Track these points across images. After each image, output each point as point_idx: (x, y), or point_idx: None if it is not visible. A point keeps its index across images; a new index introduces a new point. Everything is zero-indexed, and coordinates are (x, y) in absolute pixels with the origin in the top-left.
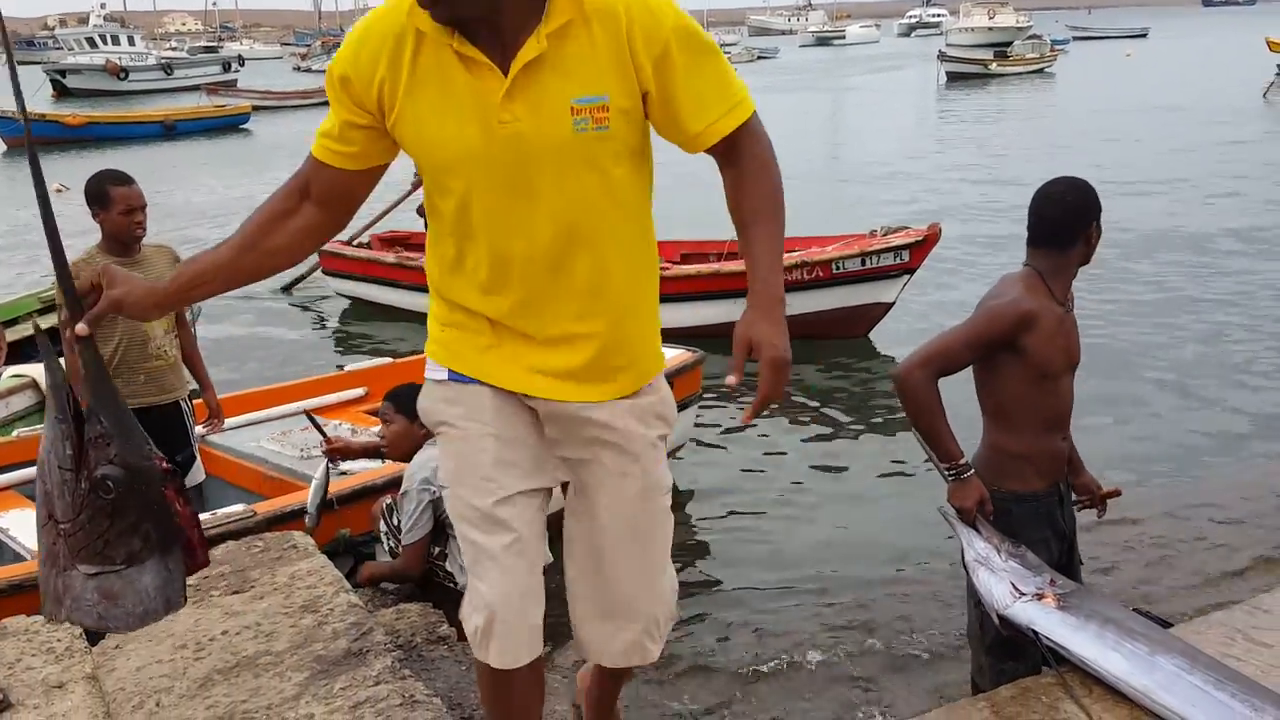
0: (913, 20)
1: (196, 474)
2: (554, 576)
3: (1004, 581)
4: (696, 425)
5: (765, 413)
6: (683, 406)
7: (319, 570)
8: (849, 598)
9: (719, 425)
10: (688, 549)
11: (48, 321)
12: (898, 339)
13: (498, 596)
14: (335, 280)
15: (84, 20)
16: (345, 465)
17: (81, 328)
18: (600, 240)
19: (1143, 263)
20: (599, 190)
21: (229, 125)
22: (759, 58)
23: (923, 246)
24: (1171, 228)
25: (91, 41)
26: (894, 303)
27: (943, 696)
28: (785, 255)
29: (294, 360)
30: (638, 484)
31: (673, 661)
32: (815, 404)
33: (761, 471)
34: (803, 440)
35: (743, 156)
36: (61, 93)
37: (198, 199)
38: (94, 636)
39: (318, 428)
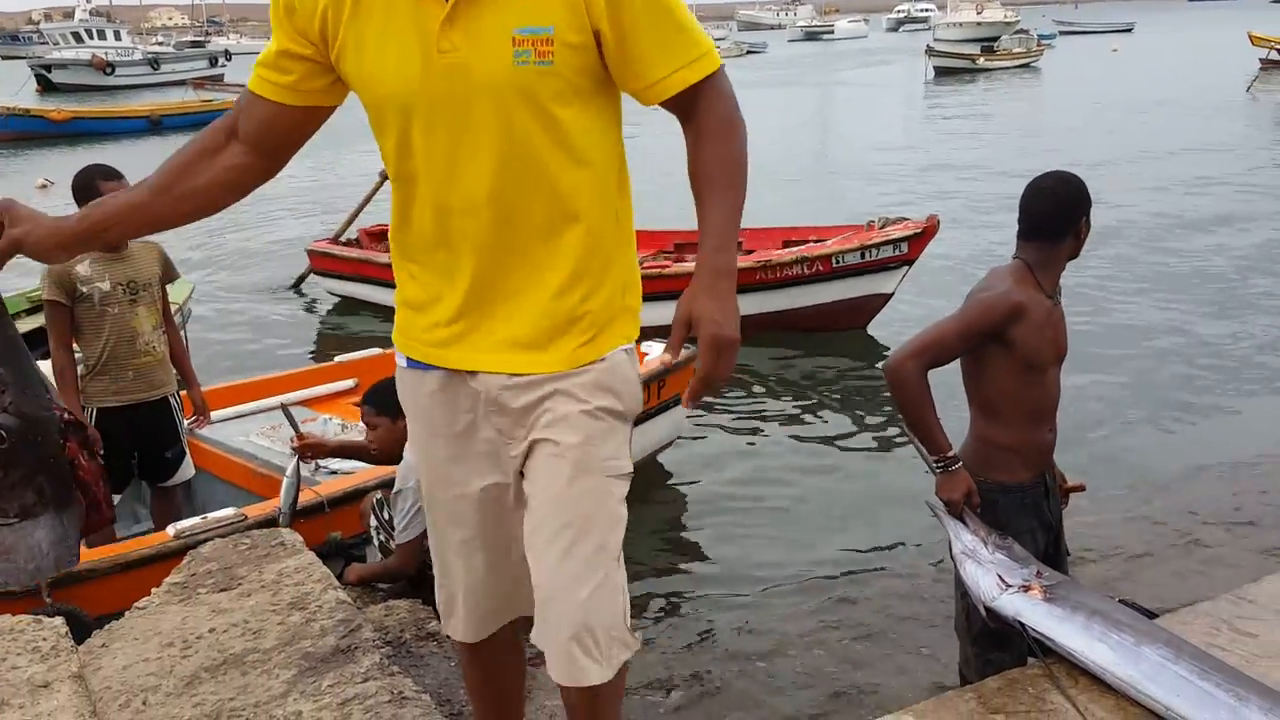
0: (901, 15)
1: (186, 469)
2: None
3: (991, 573)
4: (689, 419)
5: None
6: (675, 403)
7: (307, 567)
8: (838, 590)
9: (711, 419)
10: (674, 544)
11: (36, 321)
12: (892, 330)
13: (458, 585)
14: (327, 280)
15: (69, 15)
16: (335, 465)
17: None
18: (544, 190)
19: (1128, 255)
20: (542, 132)
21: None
22: (748, 52)
23: (921, 238)
24: (1154, 221)
25: (77, 36)
26: (893, 293)
27: (930, 688)
28: (785, 251)
29: (289, 359)
30: (569, 461)
31: (660, 653)
32: (807, 395)
33: (752, 465)
34: (793, 432)
35: (704, 115)
36: (47, 88)
37: None
38: (80, 635)
39: (292, 423)
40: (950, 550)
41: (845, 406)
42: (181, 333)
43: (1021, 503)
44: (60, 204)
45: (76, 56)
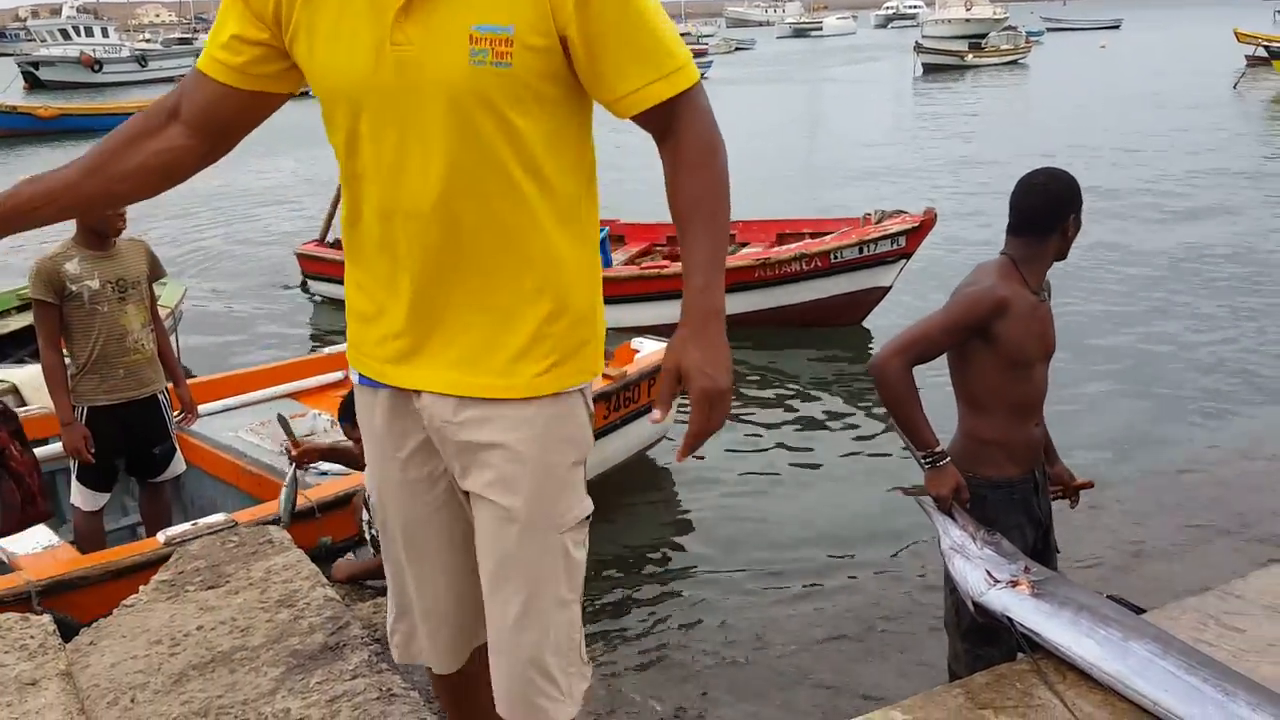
0: (890, 11)
1: (177, 465)
2: None
3: (979, 569)
4: (678, 420)
5: (747, 413)
6: None
7: (295, 565)
8: (828, 586)
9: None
10: (667, 539)
11: (28, 319)
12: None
13: (420, 612)
14: (316, 283)
15: (56, 11)
16: (325, 466)
17: None
18: (499, 201)
19: (1114, 252)
20: (498, 138)
21: None
22: (736, 49)
23: (919, 232)
24: (1144, 218)
25: (65, 33)
26: (891, 287)
27: (920, 683)
28: (785, 248)
29: (281, 359)
30: (518, 525)
31: (648, 648)
32: (800, 391)
33: (743, 460)
34: (785, 428)
35: (681, 134)
36: (34, 85)
37: (171, 192)
38: (68, 633)
39: (288, 431)
40: (939, 546)
41: (838, 402)
42: (173, 334)
43: (1010, 498)
44: None
45: (64, 54)
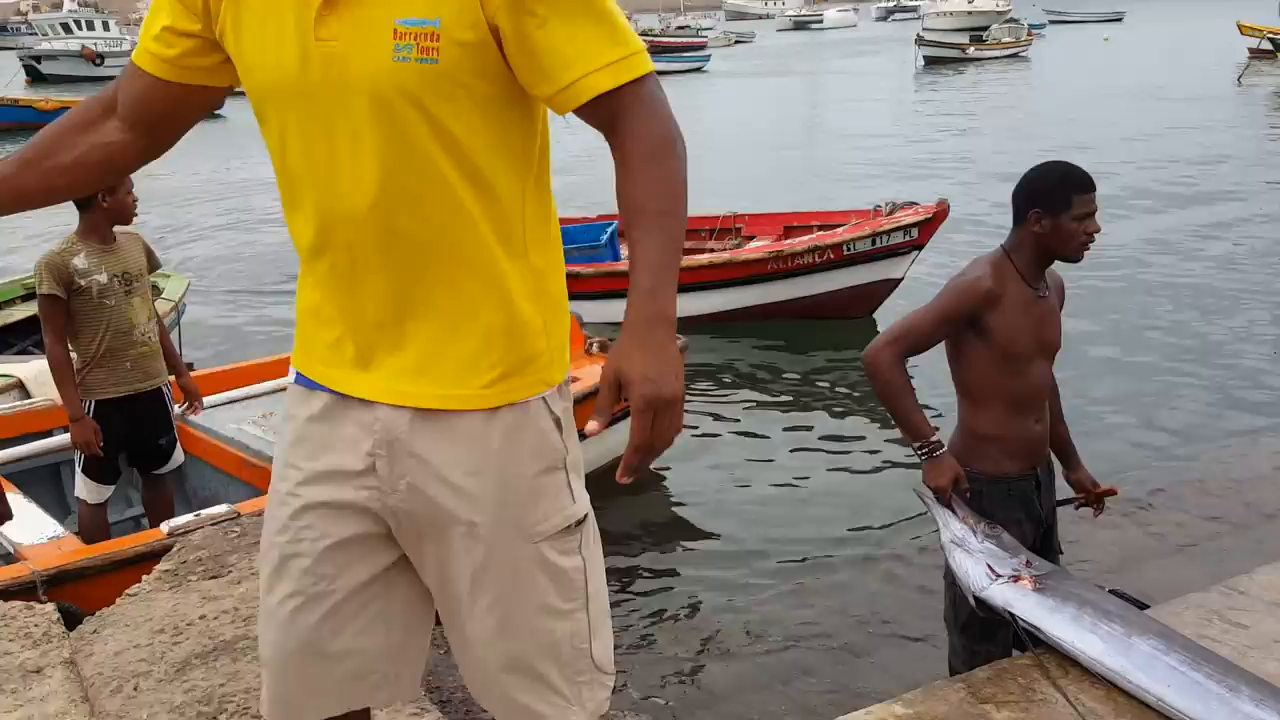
0: (891, 4)
1: (177, 456)
2: None
3: (980, 563)
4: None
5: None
6: None
7: None
8: (829, 578)
9: (704, 411)
10: (668, 532)
11: (31, 309)
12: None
13: (270, 650)
14: None
15: (58, 5)
16: None
17: None
18: (438, 205)
19: (1118, 246)
20: (431, 140)
21: None
22: (736, 42)
23: (932, 223)
24: (1147, 211)
25: (66, 27)
26: (902, 279)
27: (921, 679)
28: (798, 240)
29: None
30: (481, 536)
31: (648, 641)
32: (805, 384)
33: (746, 453)
34: (788, 422)
35: (632, 131)
36: (36, 79)
37: (173, 184)
38: (72, 622)
39: None
40: (940, 539)
41: (842, 395)
42: (176, 327)
43: (1007, 494)
44: None
45: (66, 47)
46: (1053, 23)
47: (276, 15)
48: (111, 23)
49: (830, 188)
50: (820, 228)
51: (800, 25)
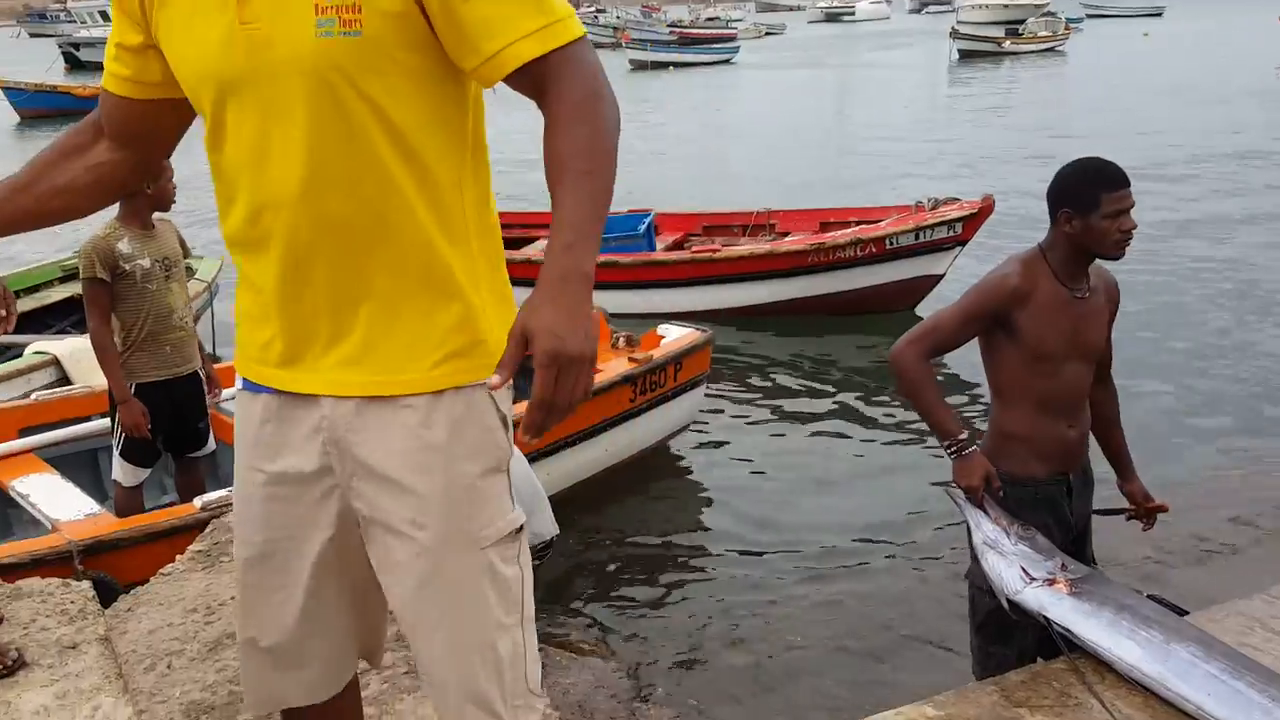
0: None
1: (211, 441)
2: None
3: (1014, 566)
4: (705, 404)
5: (789, 399)
6: (692, 386)
7: None
8: (860, 575)
9: (729, 404)
10: (694, 528)
11: (69, 290)
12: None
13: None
14: None
15: None
16: None
17: None
18: (369, 187)
19: (1160, 244)
20: (360, 117)
21: None
22: (767, 34)
23: (976, 219)
24: (1189, 210)
25: (104, 14)
26: (944, 274)
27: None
28: (841, 233)
29: None
30: (430, 558)
31: (673, 639)
32: (838, 380)
33: (778, 447)
34: (824, 416)
35: (558, 96)
36: (74, 66)
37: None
38: (108, 593)
39: None
40: (970, 540)
41: (877, 391)
42: (209, 308)
43: (1033, 497)
44: None
45: (104, 35)
46: (1090, 16)
47: (204, 6)
48: None
49: (863, 184)
50: (858, 224)
51: (832, 17)
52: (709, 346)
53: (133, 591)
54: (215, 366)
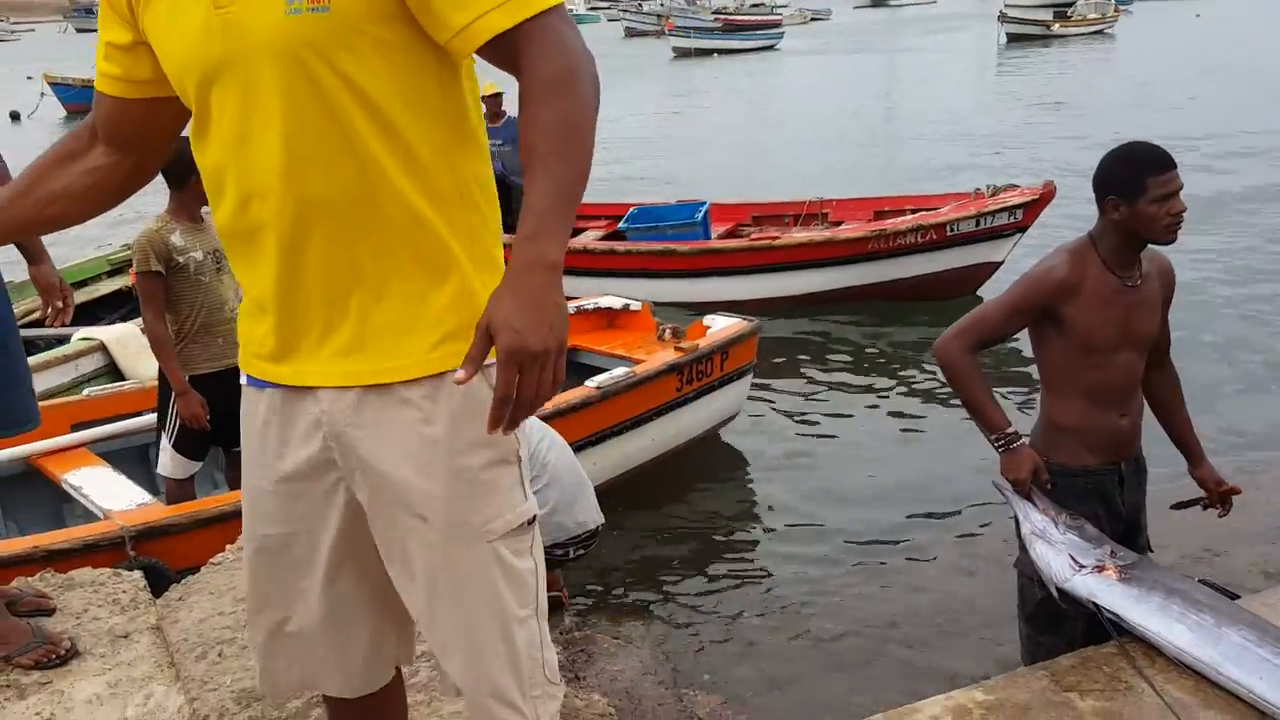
0: None
1: None
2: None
3: (1062, 554)
4: (755, 393)
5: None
6: (739, 375)
7: None
8: (909, 561)
9: (780, 393)
10: (743, 513)
11: (117, 284)
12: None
13: (262, 633)
14: None
15: None
16: None
17: None
18: (349, 167)
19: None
20: (336, 95)
21: None
22: (812, 19)
23: (1037, 205)
24: (1244, 194)
25: None
26: (1003, 261)
27: (1003, 664)
28: (901, 219)
29: None
30: (434, 537)
31: (721, 624)
32: (892, 366)
33: (831, 430)
34: (868, 406)
35: (532, 68)
36: None
37: None
38: (160, 579)
39: None
40: (1018, 530)
41: (929, 380)
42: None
43: (1083, 488)
44: None
45: None
46: None
47: None
48: None
49: (913, 172)
50: (914, 212)
51: (878, 2)
52: (755, 336)
53: (184, 581)
54: None
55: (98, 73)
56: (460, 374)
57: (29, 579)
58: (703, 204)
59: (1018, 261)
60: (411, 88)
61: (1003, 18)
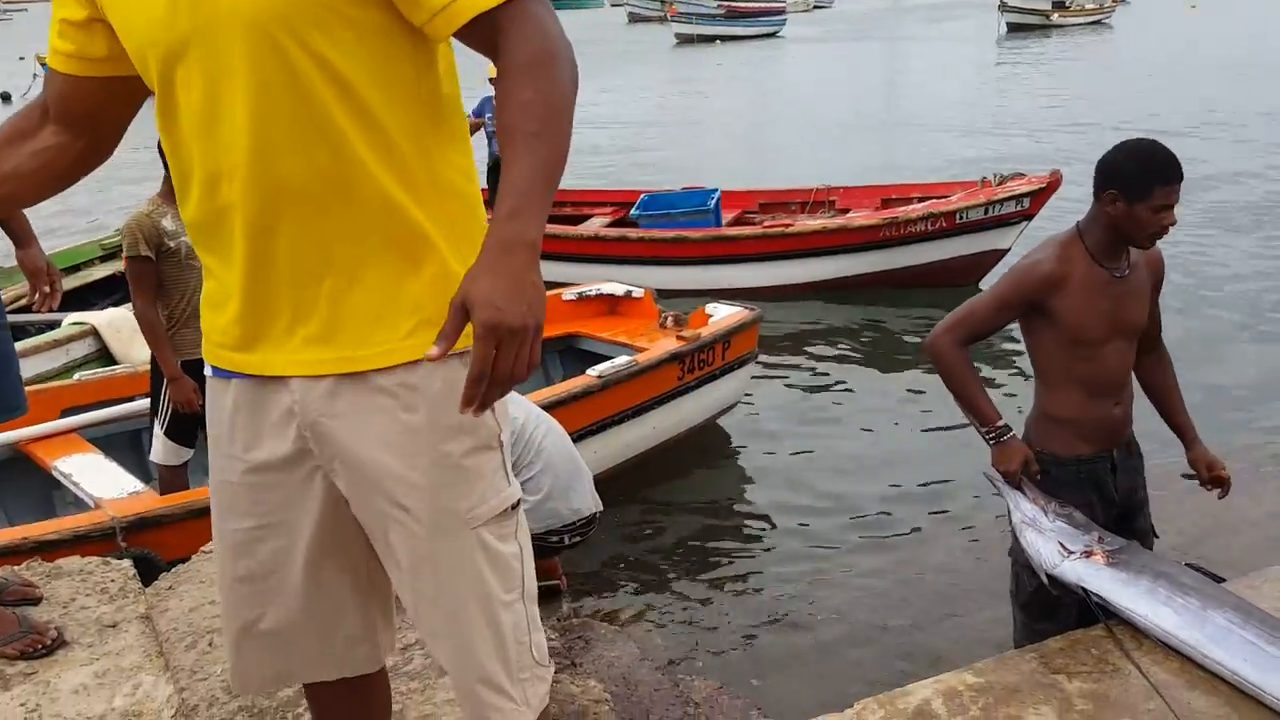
0: None
1: None
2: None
3: (1052, 541)
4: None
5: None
6: (740, 364)
7: None
8: (901, 547)
9: (782, 380)
10: (741, 499)
11: (109, 269)
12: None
13: (234, 627)
14: None
15: None
16: None
17: None
18: (321, 148)
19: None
20: (308, 73)
21: None
22: (815, 7)
23: (1044, 193)
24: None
25: None
26: (1009, 249)
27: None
28: (912, 207)
29: None
30: (416, 524)
31: (718, 607)
32: (892, 354)
33: (822, 428)
34: (868, 394)
35: (510, 51)
36: None
37: None
38: (151, 569)
39: None
40: (1009, 520)
41: (928, 368)
42: None
43: (1077, 476)
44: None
45: None
46: None
47: None
48: None
49: (916, 159)
50: (921, 200)
51: None
52: (757, 325)
53: (173, 570)
54: None
55: (50, 50)
56: (434, 350)
57: (14, 568)
58: (714, 191)
59: (1023, 249)
60: (385, 71)
61: (1003, 7)
